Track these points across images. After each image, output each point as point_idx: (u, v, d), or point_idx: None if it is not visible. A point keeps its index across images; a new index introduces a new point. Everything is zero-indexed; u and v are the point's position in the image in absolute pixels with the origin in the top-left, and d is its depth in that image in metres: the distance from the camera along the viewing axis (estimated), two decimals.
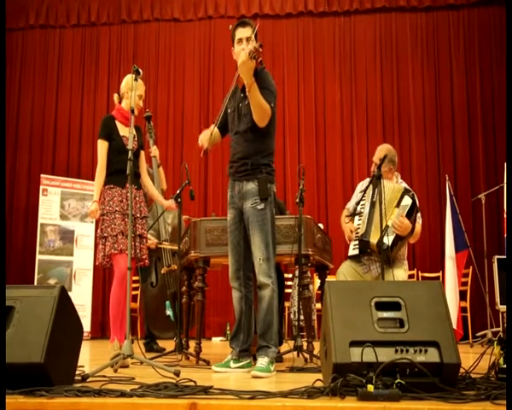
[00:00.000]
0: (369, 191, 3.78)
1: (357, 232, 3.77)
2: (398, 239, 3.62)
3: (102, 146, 3.77)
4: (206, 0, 8.61)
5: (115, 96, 3.96)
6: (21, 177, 8.55)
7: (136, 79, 3.47)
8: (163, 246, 5.04)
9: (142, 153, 3.96)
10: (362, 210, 3.79)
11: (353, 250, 3.81)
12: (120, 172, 3.68)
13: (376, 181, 3.57)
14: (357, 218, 3.82)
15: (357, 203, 3.79)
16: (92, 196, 3.82)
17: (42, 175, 7.87)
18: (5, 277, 7.33)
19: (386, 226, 3.56)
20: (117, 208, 3.65)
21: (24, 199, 8.46)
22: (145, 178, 3.99)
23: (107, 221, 3.64)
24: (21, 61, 8.87)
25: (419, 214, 3.76)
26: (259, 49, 3.01)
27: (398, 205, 3.64)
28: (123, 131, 3.81)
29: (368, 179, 4.01)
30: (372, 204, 3.69)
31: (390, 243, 3.56)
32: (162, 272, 5.07)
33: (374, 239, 3.60)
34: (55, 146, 8.59)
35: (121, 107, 3.88)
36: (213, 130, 3.32)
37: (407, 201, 3.64)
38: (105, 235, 3.63)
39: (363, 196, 3.78)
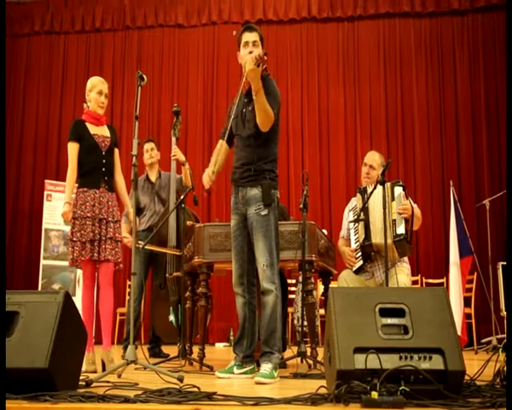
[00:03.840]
0: (359, 202, 3.84)
1: (357, 251, 3.80)
2: (407, 226, 3.65)
3: (73, 148, 3.78)
4: (210, 6, 8.64)
5: (84, 106, 4.00)
6: (25, 182, 8.56)
7: (139, 85, 3.49)
8: (165, 251, 5.04)
9: (117, 151, 3.93)
10: (357, 233, 3.82)
11: (357, 263, 3.82)
12: (93, 172, 3.74)
13: (373, 188, 3.63)
14: (353, 240, 3.88)
15: (356, 220, 3.81)
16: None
17: (46, 180, 7.89)
18: (5, 282, 7.33)
19: (394, 220, 3.62)
20: (88, 214, 3.65)
21: (28, 204, 8.47)
22: (119, 178, 3.93)
23: (78, 226, 3.63)
24: (26, 67, 8.90)
25: (410, 199, 3.79)
26: (264, 57, 3.05)
27: (393, 198, 3.71)
28: (93, 129, 3.85)
29: (353, 199, 4.07)
30: (365, 210, 3.73)
31: (404, 231, 3.61)
32: (167, 276, 5.09)
33: (375, 239, 3.64)
34: (59, 151, 8.58)
35: (89, 110, 3.92)
36: (219, 154, 3.45)
37: (398, 190, 3.74)
38: (74, 239, 3.63)
39: (357, 213, 3.81)
